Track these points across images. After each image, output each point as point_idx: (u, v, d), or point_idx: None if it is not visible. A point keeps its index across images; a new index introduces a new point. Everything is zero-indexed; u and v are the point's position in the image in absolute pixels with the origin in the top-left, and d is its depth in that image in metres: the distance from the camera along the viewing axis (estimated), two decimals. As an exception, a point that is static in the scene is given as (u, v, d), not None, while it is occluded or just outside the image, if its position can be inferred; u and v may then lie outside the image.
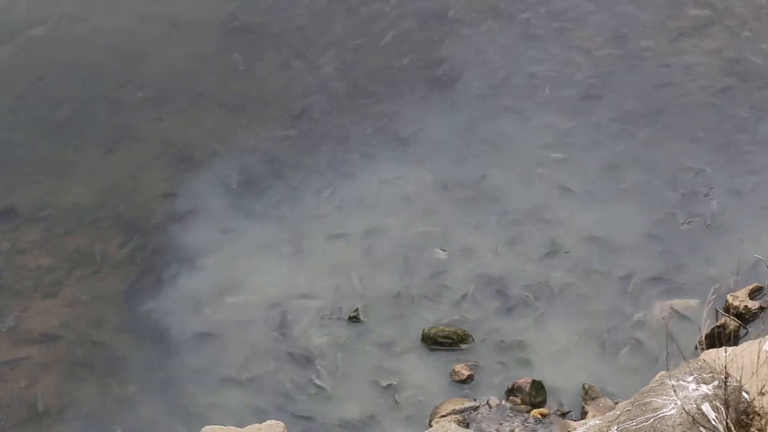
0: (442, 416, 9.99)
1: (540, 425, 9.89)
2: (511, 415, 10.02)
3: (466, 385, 10.41)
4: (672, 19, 14.45)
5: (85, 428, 10.36)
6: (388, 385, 10.49)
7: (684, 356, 7.66)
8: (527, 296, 11.11)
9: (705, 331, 9.67)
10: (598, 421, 8.32)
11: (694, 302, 10.80)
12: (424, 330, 10.85)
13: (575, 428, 9.33)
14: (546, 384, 10.28)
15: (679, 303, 10.89)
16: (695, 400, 7.31)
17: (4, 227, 12.24)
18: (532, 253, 11.56)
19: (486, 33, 14.36)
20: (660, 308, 10.87)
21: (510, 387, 10.31)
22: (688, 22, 14.38)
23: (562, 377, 10.38)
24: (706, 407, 7.25)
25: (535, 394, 10.20)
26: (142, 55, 14.37)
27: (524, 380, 10.28)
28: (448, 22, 14.57)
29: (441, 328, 10.86)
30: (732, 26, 14.23)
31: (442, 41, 14.29)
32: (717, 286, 7.79)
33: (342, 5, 14.92)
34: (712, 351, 8.11)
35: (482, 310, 11.05)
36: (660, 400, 7.43)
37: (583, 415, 9.98)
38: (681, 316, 10.73)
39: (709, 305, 7.61)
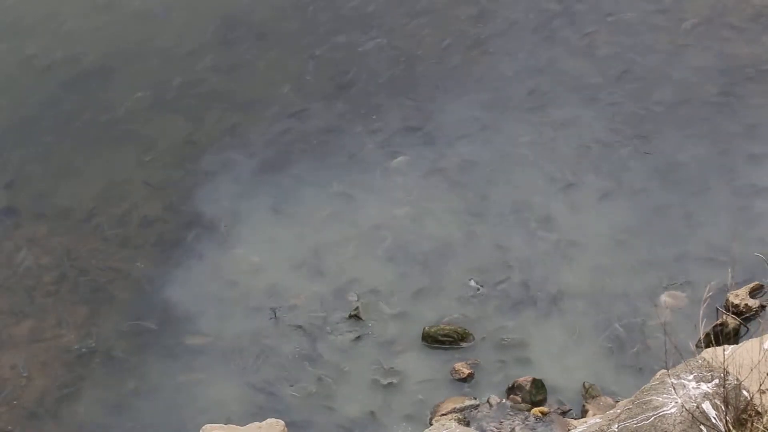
0: (443, 415, 9.99)
1: (540, 423, 9.89)
2: (511, 413, 10.01)
3: (466, 384, 10.41)
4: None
5: (84, 427, 10.37)
6: (389, 384, 10.49)
7: (682, 354, 7.65)
8: (529, 295, 11.15)
9: (705, 329, 9.66)
10: (598, 420, 8.31)
11: (694, 300, 10.79)
12: (424, 328, 10.84)
13: (575, 426, 9.33)
14: (546, 382, 10.28)
15: (680, 301, 10.88)
16: (696, 399, 7.31)
17: (4, 226, 12.24)
18: (532, 251, 11.60)
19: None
20: (661, 306, 10.86)
21: (510, 385, 10.31)
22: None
23: (563, 375, 10.37)
24: (706, 405, 7.26)
25: (536, 393, 10.20)
26: (144, 54, 14.39)
27: (524, 378, 10.27)
28: None
29: (441, 326, 10.85)
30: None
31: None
32: (712, 283, 7.79)
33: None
34: (713, 349, 8.11)
35: (483, 308, 11.05)
36: (661, 399, 7.44)
37: (584, 413, 9.98)
38: (683, 314, 10.72)
39: (705, 303, 7.61)
